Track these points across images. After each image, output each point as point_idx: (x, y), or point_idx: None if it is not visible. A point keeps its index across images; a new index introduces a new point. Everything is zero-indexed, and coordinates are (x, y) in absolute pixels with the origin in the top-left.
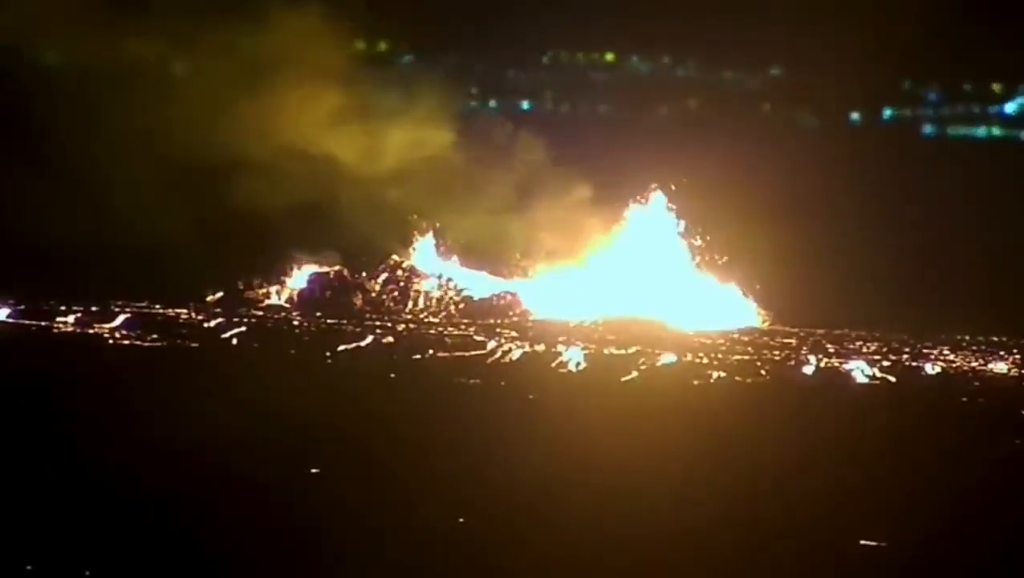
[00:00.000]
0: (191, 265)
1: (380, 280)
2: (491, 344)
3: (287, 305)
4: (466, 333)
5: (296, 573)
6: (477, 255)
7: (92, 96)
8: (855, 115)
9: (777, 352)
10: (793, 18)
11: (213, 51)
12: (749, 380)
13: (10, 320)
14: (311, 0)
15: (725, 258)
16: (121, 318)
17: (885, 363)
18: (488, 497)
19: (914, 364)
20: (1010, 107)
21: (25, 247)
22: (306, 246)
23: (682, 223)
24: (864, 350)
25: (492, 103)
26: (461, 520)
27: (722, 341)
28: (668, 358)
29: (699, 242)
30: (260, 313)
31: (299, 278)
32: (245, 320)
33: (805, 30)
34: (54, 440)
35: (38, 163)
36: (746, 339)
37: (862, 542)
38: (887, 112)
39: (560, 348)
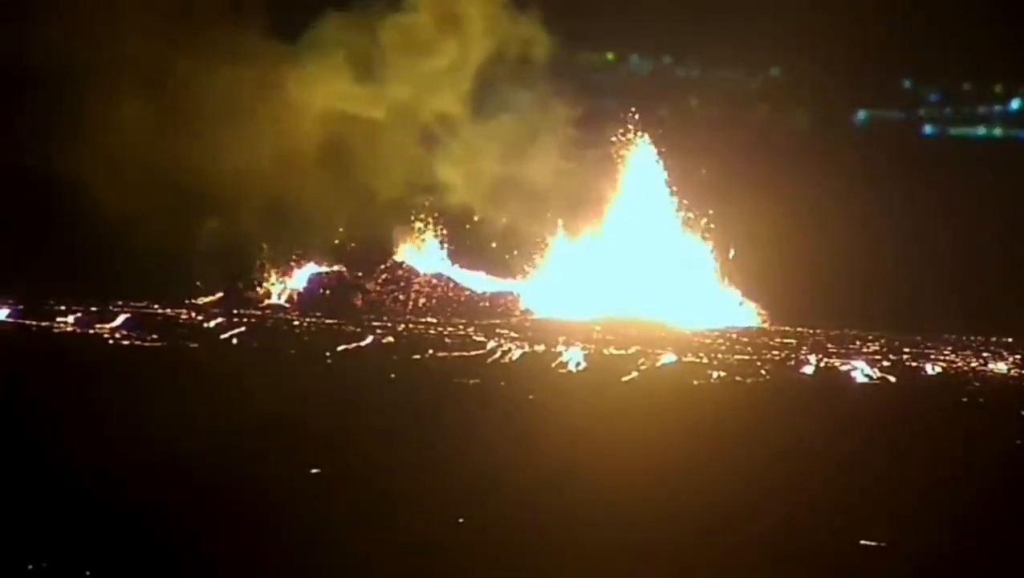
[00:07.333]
0: (191, 265)
1: (380, 280)
2: (491, 344)
3: (287, 305)
4: (466, 333)
5: (296, 573)
6: (481, 253)
7: (92, 96)
8: (855, 115)
9: (777, 352)
10: (793, 18)
11: (222, 51)
12: (749, 380)
13: (10, 320)
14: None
15: (729, 257)
16: (121, 318)
17: (885, 363)
18: (488, 497)
19: (914, 364)
20: (1010, 107)
21: (25, 247)
22: (306, 246)
23: (682, 222)
24: (864, 350)
25: None
26: (461, 520)
27: (722, 341)
28: (668, 358)
29: (701, 241)
30: (260, 313)
31: (299, 278)
32: (245, 320)
33: (805, 30)
34: (54, 440)
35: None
36: (746, 339)
37: (862, 542)
38: (885, 112)
39: (560, 348)
